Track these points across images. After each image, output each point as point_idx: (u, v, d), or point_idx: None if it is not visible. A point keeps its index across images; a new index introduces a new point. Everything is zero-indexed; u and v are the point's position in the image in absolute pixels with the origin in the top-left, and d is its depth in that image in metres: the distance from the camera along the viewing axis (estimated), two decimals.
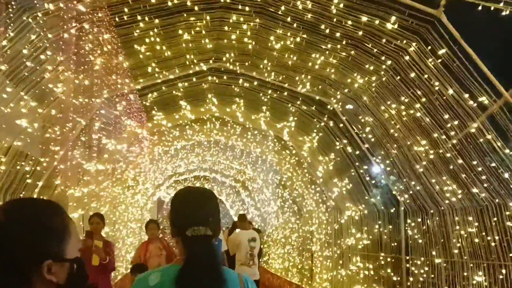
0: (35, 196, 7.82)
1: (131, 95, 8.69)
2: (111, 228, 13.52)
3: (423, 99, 5.91)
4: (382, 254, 9.61)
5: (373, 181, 9.56)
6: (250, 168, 17.64)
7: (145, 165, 15.11)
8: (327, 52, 6.46)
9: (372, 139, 8.00)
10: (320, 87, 8.25)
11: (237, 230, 10.95)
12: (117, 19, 5.59)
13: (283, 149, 13.07)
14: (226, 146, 15.88)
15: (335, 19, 5.45)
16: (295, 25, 5.88)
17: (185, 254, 1.85)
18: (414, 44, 5.44)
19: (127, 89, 8.23)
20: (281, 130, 11.34)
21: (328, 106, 8.64)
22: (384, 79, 6.32)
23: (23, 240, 1.27)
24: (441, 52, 5.13)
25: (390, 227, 9.49)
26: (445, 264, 7.61)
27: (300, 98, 9.22)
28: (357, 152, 9.23)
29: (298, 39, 6.26)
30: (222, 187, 25.98)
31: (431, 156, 6.50)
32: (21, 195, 7.21)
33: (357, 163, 9.62)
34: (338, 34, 5.84)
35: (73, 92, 6.68)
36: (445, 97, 5.54)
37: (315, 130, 10.05)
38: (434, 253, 7.70)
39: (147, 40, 6.29)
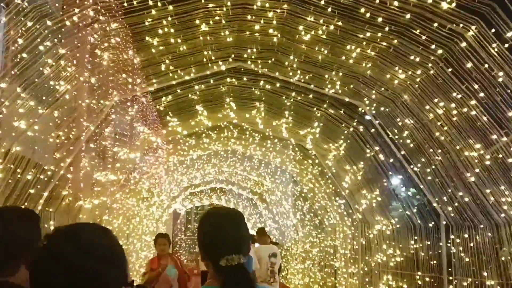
0: (39, 207, 7.02)
1: (144, 98, 7.90)
2: (125, 241, 12.70)
3: (481, 94, 4.96)
4: (419, 273, 8.54)
5: (408, 192, 8.55)
6: (268, 179, 16.70)
7: (160, 175, 14.30)
8: (364, 43, 5.57)
9: (411, 145, 7.03)
10: (351, 86, 7.33)
11: (256, 245, 10.05)
12: (125, 4, 4.80)
13: (305, 158, 12.13)
14: (243, 156, 15.00)
15: (377, 0, 4.57)
16: (329, 9, 5.02)
17: (220, 281, 1.82)
18: (473, 27, 4.52)
19: (139, 91, 7.45)
20: (304, 138, 10.42)
21: (360, 109, 7.72)
22: (431, 72, 5.39)
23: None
24: (509, 34, 4.20)
25: (428, 243, 8.44)
26: (498, 287, 6.55)
27: (327, 101, 8.32)
28: (391, 160, 8.26)
29: (331, 28, 5.38)
30: (238, 199, 25.05)
31: (487, 162, 5.51)
32: (23, 206, 6.40)
33: (390, 173, 8.63)
34: (380, 19, 4.95)
35: (79, 92, 5.92)
36: (510, 91, 4.58)
37: (342, 137, 9.11)
38: (485, 274, 6.65)
39: (159, 31, 5.49)
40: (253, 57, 6.84)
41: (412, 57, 5.40)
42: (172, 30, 5.53)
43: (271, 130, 10.81)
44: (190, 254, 27.37)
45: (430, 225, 8.24)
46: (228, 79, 8.23)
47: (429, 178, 7.19)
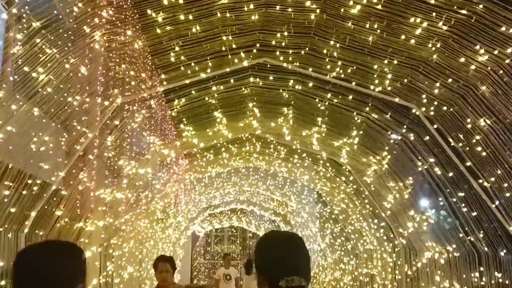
0: (25, 230, 5.68)
1: (153, 100, 6.57)
2: (136, 267, 11.28)
3: None
4: None
5: (473, 213, 6.89)
6: (294, 199, 15.13)
7: (175, 194, 12.92)
8: (434, 14, 4.13)
9: (483, 153, 5.47)
10: (406, 80, 5.86)
11: None
12: None
13: (338, 175, 10.58)
14: (267, 173, 13.53)
15: None
16: None
17: None
18: None
19: (146, 89, 6.12)
20: (338, 151, 8.92)
21: (413, 111, 6.20)
22: None
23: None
24: None
25: (499, 275, 6.74)
26: None
27: (371, 104, 6.84)
28: (450, 174, 6.67)
29: None
30: (260, 221, 23.43)
31: None
32: (2, 229, 5.07)
33: (448, 190, 7.03)
34: None
35: (69, 85, 4.63)
36: None
37: (387, 148, 7.59)
38: None
39: (165, 1, 4.18)
40: (283, 44, 5.44)
41: (503, 28, 3.91)
42: (181, 1, 4.20)
43: (299, 142, 9.35)
44: (210, 279, 25.71)
45: (502, 253, 6.57)
46: (252, 79, 6.85)
47: (507, 195, 5.58)
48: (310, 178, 11.82)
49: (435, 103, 5.77)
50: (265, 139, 10.17)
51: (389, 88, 5.94)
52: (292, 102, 7.52)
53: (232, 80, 6.74)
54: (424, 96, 5.97)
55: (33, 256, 1.59)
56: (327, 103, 7.12)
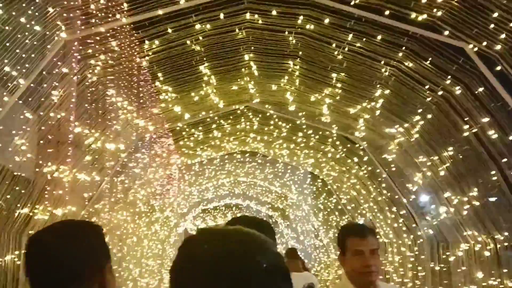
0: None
1: (115, 40, 4.76)
2: (115, 268, 9.44)
3: None
4: None
5: None
6: (295, 189, 13.36)
7: (161, 183, 11.09)
8: None
9: None
10: (456, 10, 4.13)
11: None
12: None
13: (349, 155, 8.81)
14: (265, 160, 11.75)
15: None
16: None
17: None
18: None
19: (103, 23, 4.34)
20: (354, 122, 7.16)
21: (470, 47, 4.44)
22: None
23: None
24: None
25: None
26: None
27: (405, 48, 5.10)
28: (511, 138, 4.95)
29: None
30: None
31: None
32: None
33: (504, 159, 5.28)
34: None
35: None
36: None
37: (420, 110, 5.85)
38: None
39: None
40: None
41: None
42: None
43: (306, 113, 7.56)
44: None
45: None
46: (248, 15, 5.07)
47: None
48: (315, 162, 10.03)
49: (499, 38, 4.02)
50: (263, 113, 8.37)
51: (439, 13, 4.19)
52: (300, 53, 5.72)
53: (222, 15, 4.94)
54: (481, 30, 4.21)
55: (49, 243, 1.38)
56: (346, 49, 5.34)
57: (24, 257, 1.38)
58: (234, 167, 12.61)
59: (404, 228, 8.71)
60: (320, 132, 8.49)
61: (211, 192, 16.12)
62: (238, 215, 22.27)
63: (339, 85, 6.08)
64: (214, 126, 8.57)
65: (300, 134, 8.73)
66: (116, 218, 9.05)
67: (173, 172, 10.97)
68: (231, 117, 8.44)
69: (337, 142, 8.63)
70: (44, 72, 4.54)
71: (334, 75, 5.90)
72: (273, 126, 8.84)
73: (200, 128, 8.49)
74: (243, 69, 6.16)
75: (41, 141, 5.07)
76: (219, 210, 21.66)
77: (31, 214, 5.86)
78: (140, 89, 5.96)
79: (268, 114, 8.34)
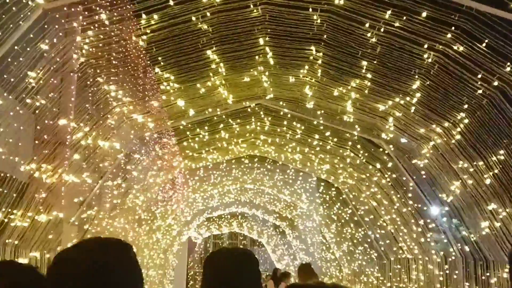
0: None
1: (104, 12, 3.88)
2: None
3: None
4: None
5: None
6: (305, 198, 12.37)
7: (163, 188, 10.17)
8: None
9: None
10: None
11: None
12: None
13: (371, 161, 7.84)
14: (275, 165, 10.78)
15: None
16: None
17: None
18: None
19: None
20: (382, 121, 6.20)
21: None
22: None
23: None
24: None
25: None
26: None
27: (454, 26, 4.18)
28: None
29: None
30: (263, 227, 20.58)
31: None
32: None
33: None
34: None
35: None
36: None
37: (466, 106, 4.89)
38: None
39: None
40: None
41: None
42: None
43: (325, 111, 6.63)
44: None
45: None
46: None
47: None
48: (331, 168, 9.05)
49: None
50: (276, 112, 7.45)
51: None
52: (325, 36, 4.81)
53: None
54: None
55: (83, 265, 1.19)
56: (381, 30, 4.42)
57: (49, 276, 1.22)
58: (241, 173, 11.66)
59: (432, 244, 7.71)
60: (340, 135, 7.54)
61: (216, 200, 15.15)
62: (244, 224, 21.27)
63: (369, 75, 5.15)
64: (221, 126, 7.65)
65: (316, 136, 7.78)
66: (113, 225, 8.13)
67: (176, 176, 10.04)
68: (240, 115, 7.53)
69: (358, 146, 7.67)
70: (16, 47, 3.65)
71: (364, 63, 4.97)
72: (287, 127, 7.90)
73: (206, 127, 7.57)
74: (256, 57, 5.25)
75: (16, 133, 4.18)
76: (224, 218, 20.67)
77: (6, 220, 4.96)
78: (137, 75, 5.06)
79: (281, 113, 7.41)
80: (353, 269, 12.08)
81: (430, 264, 8.01)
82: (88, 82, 4.50)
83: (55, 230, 6.18)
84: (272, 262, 22.70)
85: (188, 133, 7.59)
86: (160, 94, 5.42)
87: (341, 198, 10.74)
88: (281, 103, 6.81)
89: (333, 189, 10.76)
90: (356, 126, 6.84)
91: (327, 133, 7.58)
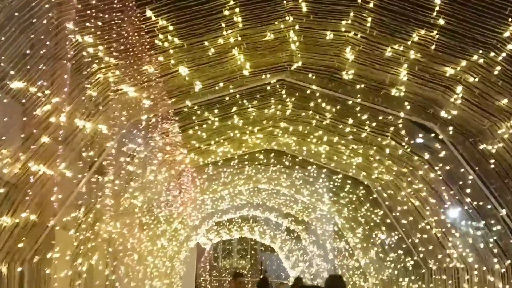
0: None
1: None
2: None
3: None
4: None
5: None
6: (328, 198, 10.82)
7: (166, 187, 8.71)
8: None
9: None
10: None
11: None
12: None
13: (419, 149, 6.32)
14: (294, 161, 9.27)
15: None
16: None
17: None
18: None
19: None
20: (446, 91, 4.67)
21: None
22: None
23: None
24: None
25: None
26: None
27: None
28: None
29: None
30: (276, 231, 19.01)
31: None
32: None
33: None
34: None
35: None
36: None
37: None
38: None
39: None
40: None
41: None
42: None
43: (368, 83, 5.16)
44: None
45: None
46: None
47: None
48: (363, 161, 7.52)
49: None
50: (303, 90, 5.95)
51: None
52: None
53: None
54: None
55: None
56: None
57: None
58: (254, 171, 10.15)
59: (495, 250, 6.15)
60: (380, 118, 6.02)
61: (227, 202, 13.65)
62: (256, 228, 19.68)
63: (441, 21, 3.63)
64: (234, 108, 6.17)
65: (350, 121, 6.26)
66: (105, 230, 6.69)
67: (181, 173, 8.57)
68: (258, 96, 6.05)
69: (402, 132, 6.14)
70: None
71: (437, 1, 3.46)
72: (313, 111, 6.40)
73: (215, 111, 6.10)
74: (284, 0, 3.77)
75: None
76: (234, 222, 19.14)
77: None
78: (122, 23, 3.57)
79: (308, 91, 5.92)
80: (381, 279, 10.50)
81: (490, 275, 6.44)
82: (52, 29, 3.06)
83: (29, 235, 4.76)
84: (285, 268, 21.11)
85: (194, 118, 6.12)
86: (155, 54, 3.95)
87: (371, 198, 9.18)
88: (310, 75, 5.31)
89: (361, 187, 9.21)
90: (406, 104, 5.32)
91: (364, 116, 6.06)
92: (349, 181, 9.22)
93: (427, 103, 5.22)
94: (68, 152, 4.45)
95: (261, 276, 20.88)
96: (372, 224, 9.84)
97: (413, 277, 8.99)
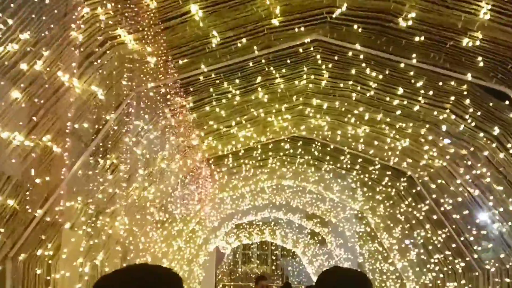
0: None
1: None
2: None
3: None
4: None
5: None
6: (361, 194, 9.57)
7: (183, 182, 7.64)
8: None
9: None
10: None
11: None
12: None
13: (487, 122, 5.10)
14: (325, 150, 8.09)
15: None
16: None
17: None
18: None
19: None
20: None
21: None
22: None
23: None
24: None
25: None
26: None
27: None
28: None
29: None
30: (299, 235, 17.76)
31: None
32: None
33: None
34: None
35: None
36: None
37: None
38: None
39: None
40: None
41: None
42: None
43: (430, 33, 3.99)
44: None
45: None
46: None
47: None
48: (411, 144, 6.29)
49: None
50: (343, 53, 4.83)
51: None
52: None
53: None
54: None
55: None
56: None
57: None
58: (279, 163, 9.00)
59: None
60: (440, 84, 4.81)
61: (247, 201, 12.51)
62: (277, 231, 18.47)
63: None
64: (259, 79, 5.06)
65: (400, 90, 5.08)
66: (112, 226, 5.67)
67: (198, 164, 7.48)
68: (288, 61, 4.93)
69: (466, 101, 4.92)
70: None
71: None
72: (354, 81, 5.25)
73: (237, 80, 5.00)
74: None
75: None
76: (255, 225, 17.98)
77: None
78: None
79: (350, 53, 4.77)
80: (423, 283, 9.18)
81: None
82: None
83: (9, 227, 3.77)
84: (308, 274, 19.78)
85: (211, 89, 5.03)
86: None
87: (414, 191, 7.92)
88: (355, 27, 4.17)
89: (403, 179, 7.95)
90: (479, 60, 4.11)
91: (420, 83, 4.87)
92: (388, 173, 7.97)
93: (506, 59, 4.01)
94: (53, 118, 3.42)
95: (285, 282, 19.62)
96: (413, 221, 8.55)
97: (463, 281, 7.69)
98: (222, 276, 20.67)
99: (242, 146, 7.37)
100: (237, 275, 21.43)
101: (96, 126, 4.34)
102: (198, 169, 7.79)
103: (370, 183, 8.65)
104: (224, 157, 7.84)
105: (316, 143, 7.90)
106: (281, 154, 8.42)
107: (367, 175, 8.39)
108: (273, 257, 22.70)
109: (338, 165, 8.43)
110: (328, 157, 8.25)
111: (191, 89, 4.87)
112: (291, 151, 8.25)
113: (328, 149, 7.92)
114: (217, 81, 4.89)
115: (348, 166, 8.25)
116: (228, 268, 21.30)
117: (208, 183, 8.83)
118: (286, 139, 7.73)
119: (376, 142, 6.65)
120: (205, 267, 15.03)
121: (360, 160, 7.90)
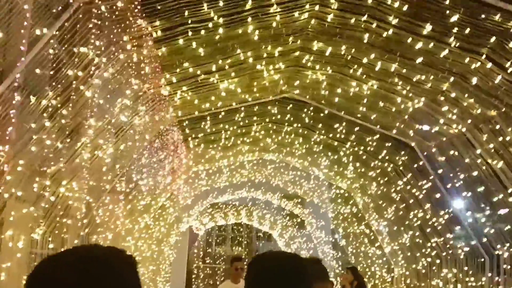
0: None
1: None
2: None
3: None
4: None
5: None
6: (352, 171, 8.49)
7: (149, 147, 6.35)
8: None
9: None
10: None
11: None
12: None
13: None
14: (318, 115, 6.92)
15: None
16: None
17: None
18: None
19: None
20: None
21: None
22: None
23: None
24: None
25: None
26: None
27: None
28: None
29: None
30: (277, 216, 16.75)
31: None
32: None
33: None
34: None
35: None
36: None
37: None
38: None
39: None
40: None
41: None
42: None
43: None
44: (209, 286, 19.06)
45: None
46: None
47: None
48: (428, 102, 5.20)
49: None
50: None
51: None
52: None
53: None
54: None
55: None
56: None
57: None
58: (264, 132, 7.80)
59: None
60: (483, 16, 3.69)
61: (225, 177, 11.31)
62: (254, 213, 17.42)
63: None
64: (250, 3, 3.81)
65: (428, 28, 3.94)
66: (50, 190, 4.37)
67: (169, 124, 6.17)
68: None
69: (511, 44, 3.83)
70: None
71: None
72: (370, 15, 4.07)
73: (220, 3, 3.72)
74: None
75: None
76: (231, 206, 16.84)
77: None
78: None
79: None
80: (415, 269, 8.29)
81: None
82: None
83: None
84: None
85: (186, 13, 3.72)
86: None
87: (415, 166, 6.90)
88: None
89: (403, 152, 6.91)
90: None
91: (454, 18, 3.72)
92: (388, 144, 6.90)
93: None
94: None
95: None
96: (411, 201, 7.56)
97: (466, 268, 6.79)
98: (194, 258, 19.55)
99: (223, 105, 6.11)
100: (211, 256, 20.34)
101: (24, 42, 3.01)
102: (169, 132, 6.50)
103: (364, 157, 7.57)
104: (201, 120, 6.57)
105: (308, 107, 6.72)
106: (267, 120, 7.22)
107: (362, 148, 7.29)
108: (248, 240, 21.77)
109: (331, 135, 7.29)
110: (320, 125, 7.10)
111: (159, 9, 3.56)
112: (279, 116, 7.05)
113: (322, 114, 6.76)
114: (195, 1, 3.59)
115: (342, 136, 7.12)
116: (202, 249, 20.18)
117: (181, 151, 7.55)
118: (275, 101, 6.52)
119: (381, 104, 5.52)
120: (177, 247, 13.83)
121: (357, 128, 6.78)
